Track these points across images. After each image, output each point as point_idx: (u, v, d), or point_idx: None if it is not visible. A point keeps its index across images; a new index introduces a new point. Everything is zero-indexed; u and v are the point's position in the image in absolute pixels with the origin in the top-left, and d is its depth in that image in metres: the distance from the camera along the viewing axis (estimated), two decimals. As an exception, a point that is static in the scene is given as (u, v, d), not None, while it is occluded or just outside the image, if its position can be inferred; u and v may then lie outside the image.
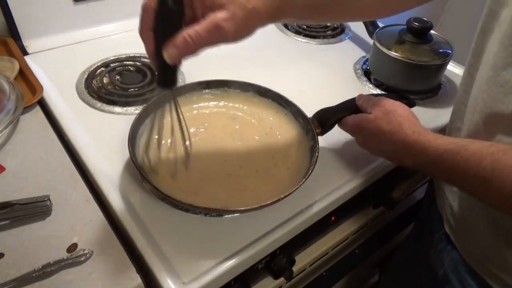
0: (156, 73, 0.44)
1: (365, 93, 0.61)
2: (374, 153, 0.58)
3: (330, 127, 0.61)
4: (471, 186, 0.45)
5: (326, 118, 0.60)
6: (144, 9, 0.40)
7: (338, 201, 0.60)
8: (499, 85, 0.45)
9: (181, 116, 0.51)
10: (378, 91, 0.79)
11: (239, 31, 0.40)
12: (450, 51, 0.76)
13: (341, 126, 0.61)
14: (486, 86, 0.47)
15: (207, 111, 0.64)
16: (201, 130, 0.61)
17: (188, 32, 0.39)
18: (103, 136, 0.63)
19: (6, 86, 0.62)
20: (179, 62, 0.42)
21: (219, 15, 0.39)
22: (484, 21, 0.50)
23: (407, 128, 0.51)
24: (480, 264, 0.54)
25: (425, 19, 0.75)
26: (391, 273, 0.89)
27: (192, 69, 0.78)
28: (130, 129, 0.55)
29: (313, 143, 0.58)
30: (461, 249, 0.57)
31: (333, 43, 0.93)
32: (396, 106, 0.54)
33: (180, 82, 0.75)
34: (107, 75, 0.75)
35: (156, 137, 0.57)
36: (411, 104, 0.66)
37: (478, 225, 0.53)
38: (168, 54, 0.40)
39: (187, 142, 0.56)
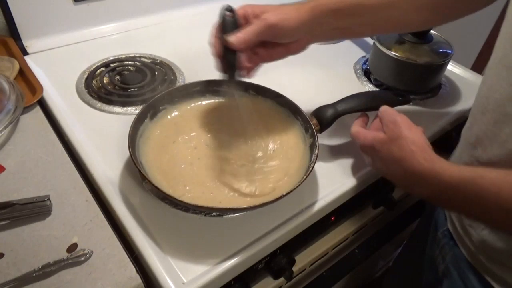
0: (221, 66, 0.55)
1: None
2: (384, 176, 0.55)
3: (329, 124, 0.61)
4: (491, 216, 0.43)
5: (325, 115, 0.60)
6: (214, 26, 0.55)
7: (338, 201, 0.60)
8: (510, 84, 0.46)
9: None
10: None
11: (280, 23, 0.52)
12: (450, 51, 0.76)
13: (353, 137, 0.58)
14: (499, 86, 0.47)
15: (207, 110, 0.64)
16: (200, 129, 0.61)
17: (244, 27, 0.53)
18: (103, 136, 0.63)
19: (6, 86, 0.62)
20: (238, 49, 0.52)
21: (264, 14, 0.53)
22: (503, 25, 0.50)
23: (420, 157, 0.48)
24: (480, 262, 0.54)
25: (425, 19, 0.75)
26: (394, 267, 0.90)
27: (193, 69, 0.78)
28: (130, 129, 0.55)
29: (312, 140, 0.58)
30: (462, 247, 0.57)
31: (333, 43, 0.93)
32: (412, 133, 0.51)
33: (180, 83, 0.75)
34: (107, 75, 0.75)
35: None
36: (406, 101, 0.66)
37: (479, 224, 0.53)
38: (231, 39, 0.51)
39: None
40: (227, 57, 0.53)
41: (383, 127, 0.54)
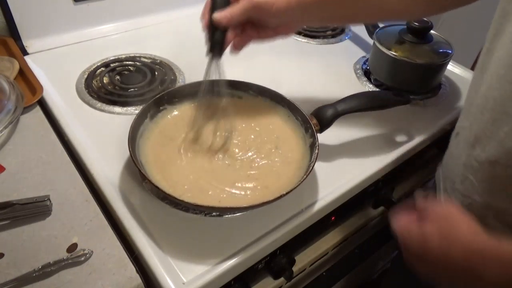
0: (207, 43, 0.55)
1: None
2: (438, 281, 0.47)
3: (329, 124, 0.61)
4: None
5: (325, 115, 0.60)
6: (206, 3, 0.56)
7: (338, 201, 0.60)
8: (509, 83, 0.46)
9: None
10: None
11: (265, 5, 0.53)
12: (450, 51, 0.76)
13: (395, 227, 0.47)
14: (498, 85, 0.47)
15: (206, 110, 0.64)
16: (200, 129, 0.61)
17: (232, 5, 0.54)
18: (103, 136, 0.63)
19: (6, 86, 0.62)
20: (224, 26, 0.53)
21: None
22: (498, 22, 0.49)
23: (478, 241, 0.42)
24: None
25: (425, 19, 0.75)
26: (393, 269, 0.89)
27: (193, 69, 0.78)
28: (130, 129, 0.55)
29: (312, 140, 0.58)
30: None
31: (333, 43, 0.93)
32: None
33: (180, 83, 0.75)
34: (107, 75, 0.75)
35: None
36: (406, 101, 0.66)
37: (480, 222, 0.53)
38: (214, 16, 0.53)
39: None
40: (214, 34, 0.54)
41: (427, 218, 0.45)
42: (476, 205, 0.54)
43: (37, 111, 0.66)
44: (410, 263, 0.46)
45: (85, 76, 0.74)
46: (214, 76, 0.57)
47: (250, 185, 0.55)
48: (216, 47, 0.55)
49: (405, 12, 0.60)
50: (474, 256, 0.41)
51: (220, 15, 0.53)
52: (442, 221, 0.44)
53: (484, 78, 0.51)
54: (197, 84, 0.64)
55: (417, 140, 0.69)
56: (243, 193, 0.54)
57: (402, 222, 0.47)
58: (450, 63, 0.85)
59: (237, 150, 0.59)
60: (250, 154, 0.59)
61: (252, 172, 0.56)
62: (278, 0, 0.53)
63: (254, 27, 0.57)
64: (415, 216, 0.47)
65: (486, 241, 0.41)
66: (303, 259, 0.67)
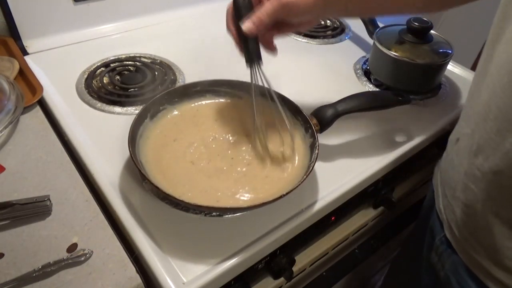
0: (244, 55, 0.54)
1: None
2: None
3: (329, 124, 0.61)
4: None
5: (325, 115, 0.60)
6: (227, 11, 0.53)
7: (338, 201, 0.60)
8: None
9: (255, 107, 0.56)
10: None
11: (294, 2, 0.50)
12: (450, 51, 0.76)
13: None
14: (502, 93, 0.45)
15: (206, 110, 0.64)
16: (200, 129, 0.61)
17: (257, 9, 0.51)
18: (103, 136, 0.63)
19: (6, 86, 0.62)
20: (257, 34, 0.51)
21: None
22: (499, 26, 0.48)
23: None
24: (483, 269, 0.53)
25: (425, 19, 0.75)
26: (392, 273, 0.89)
27: (193, 69, 0.78)
28: (130, 129, 0.55)
29: (312, 140, 0.58)
30: (463, 254, 0.56)
31: (333, 43, 0.93)
32: None
33: (180, 83, 0.75)
34: (107, 75, 0.75)
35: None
36: (406, 101, 0.66)
37: (483, 232, 0.52)
38: (244, 27, 0.51)
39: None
40: (248, 44, 0.52)
41: None
42: (479, 214, 0.53)
43: (37, 111, 0.66)
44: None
45: (85, 76, 0.74)
46: (260, 83, 0.56)
47: (249, 185, 0.55)
48: (254, 57, 0.53)
49: (413, 6, 0.59)
50: None
51: (250, 25, 0.50)
52: None
53: (485, 83, 0.50)
54: (198, 84, 0.64)
55: (417, 140, 0.69)
56: (243, 193, 0.54)
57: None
58: (450, 63, 0.85)
59: (237, 150, 0.59)
60: (249, 153, 0.59)
61: (252, 172, 0.56)
62: None
63: (276, 24, 0.55)
64: None
65: None
66: (303, 259, 0.67)
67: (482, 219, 0.52)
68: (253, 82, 0.56)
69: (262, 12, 0.50)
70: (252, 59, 0.53)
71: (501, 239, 0.50)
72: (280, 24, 0.55)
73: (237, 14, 0.51)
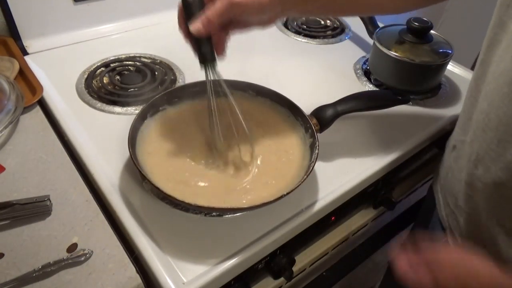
0: (196, 55, 0.51)
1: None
2: None
3: (329, 124, 0.61)
4: None
5: (325, 115, 0.60)
6: (178, 10, 0.50)
7: (338, 201, 0.60)
8: None
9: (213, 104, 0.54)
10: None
11: (244, 1, 0.47)
12: (450, 51, 0.76)
13: (395, 266, 0.47)
14: (501, 103, 0.45)
15: (206, 111, 0.64)
16: (200, 129, 0.61)
17: (207, 8, 0.48)
18: (103, 136, 0.63)
19: (6, 86, 0.62)
20: (206, 34, 0.49)
21: None
22: (493, 31, 0.47)
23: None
24: None
25: (425, 19, 0.75)
26: (392, 272, 0.89)
27: (193, 69, 0.78)
28: (130, 129, 0.55)
29: (312, 140, 0.58)
30: None
31: (333, 43, 0.93)
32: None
33: (180, 83, 0.75)
34: (107, 75, 0.75)
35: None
36: (406, 101, 0.66)
37: (488, 242, 0.51)
38: (192, 27, 0.48)
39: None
40: (200, 45, 0.49)
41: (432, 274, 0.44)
42: (483, 224, 0.52)
43: (37, 111, 0.66)
44: None
45: (85, 76, 0.74)
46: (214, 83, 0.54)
47: (249, 185, 0.55)
48: (207, 58, 0.51)
49: (389, 7, 0.57)
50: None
51: (198, 25, 0.47)
52: (456, 267, 0.43)
53: (483, 91, 0.49)
54: (197, 84, 0.64)
55: (417, 140, 0.69)
56: (243, 194, 0.54)
57: (406, 265, 0.45)
58: (450, 63, 0.85)
59: (236, 150, 0.59)
60: (249, 153, 0.59)
61: (252, 172, 0.56)
62: None
63: (233, 23, 0.51)
64: (419, 258, 0.45)
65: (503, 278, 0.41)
66: (303, 259, 0.67)
67: (486, 229, 0.51)
68: (209, 84, 0.53)
69: (212, 12, 0.47)
70: (205, 59, 0.51)
71: (506, 249, 0.50)
72: (237, 23, 0.52)
73: (186, 13, 0.48)
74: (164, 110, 0.62)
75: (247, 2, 0.47)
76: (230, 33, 0.53)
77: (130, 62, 0.79)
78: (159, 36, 0.88)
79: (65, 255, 0.46)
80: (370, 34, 0.88)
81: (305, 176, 0.52)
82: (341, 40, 0.94)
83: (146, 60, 0.80)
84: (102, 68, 0.77)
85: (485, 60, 0.50)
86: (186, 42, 0.51)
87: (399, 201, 0.77)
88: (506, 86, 0.44)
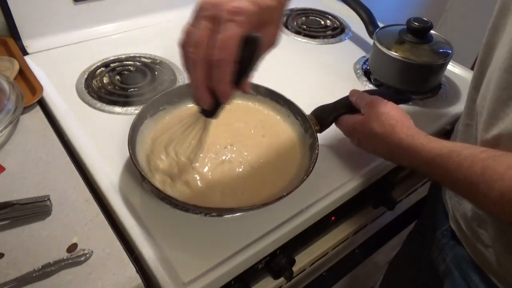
0: (203, 108, 0.48)
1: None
2: (370, 153, 0.58)
3: (329, 124, 0.61)
4: (462, 189, 0.45)
5: (325, 115, 0.60)
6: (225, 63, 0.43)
7: (338, 201, 0.60)
8: (502, 88, 0.44)
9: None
10: (378, 91, 0.79)
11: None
12: (450, 51, 0.76)
13: (337, 125, 0.61)
14: (495, 87, 0.46)
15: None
16: (200, 129, 0.61)
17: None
18: (103, 136, 0.63)
19: (6, 86, 0.62)
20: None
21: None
22: (497, 16, 0.48)
23: (400, 131, 0.51)
24: (488, 262, 0.53)
25: (425, 19, 0.75)
26: (392, 272, 0.89)
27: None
28: (130, 129, 0.55)
29: (312, 140, 0.58)
30: (469, 248, 0.56)
31: (333, 43, 0.93)
32: (388, 108, 0.54)
33: (180, 83, 0.75)
34: (107, 75, 0.75)
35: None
36: (406, 100, 0.66)
37: (490, 224, 0.52)
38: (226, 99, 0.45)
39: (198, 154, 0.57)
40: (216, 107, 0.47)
41: (361, 110, 0.57)
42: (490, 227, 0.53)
43: (37, 111, 0.66)
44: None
45: (85, 76, 0.74)
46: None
47: (250, 185, 0.55)
48: (211, 116, 0.49)
49: None
50: (392, 147, 0.52)
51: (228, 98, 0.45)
52: (367, 107, 0.55)
53: (483, 76, 0.50)
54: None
55: (417, 140, 0.69)
56: (243, 194, 0.54)
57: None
58: (450, 63, 0.85)
59: (236, 150, 0.59)
60: (250, 153, 0.59)
61: (252, 173, 0.56)
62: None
63: None
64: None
65: (403, 138, 0.50)
66: (303, 259, 0.67)
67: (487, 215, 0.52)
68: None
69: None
70: (208, 116, 0.49)
71: (509, 232, 0.50)
72: None
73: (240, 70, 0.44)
74: (164, 110, 0.62)
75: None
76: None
77: (130, 62, 0.79)
78: (159, 36, 0.88)
79: (65, 255, 0.46)
80: (370, 34, 0.88)
81: (305, 177, 0.52)
82: (341, 40, 0.94)
83: (146, 60, 0.80)
84: (102, 68, 0.77)
85: (488, 45, 0.51)
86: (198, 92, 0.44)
87: (399, 201, 0.77)
88: (500, 71, 0.45)
